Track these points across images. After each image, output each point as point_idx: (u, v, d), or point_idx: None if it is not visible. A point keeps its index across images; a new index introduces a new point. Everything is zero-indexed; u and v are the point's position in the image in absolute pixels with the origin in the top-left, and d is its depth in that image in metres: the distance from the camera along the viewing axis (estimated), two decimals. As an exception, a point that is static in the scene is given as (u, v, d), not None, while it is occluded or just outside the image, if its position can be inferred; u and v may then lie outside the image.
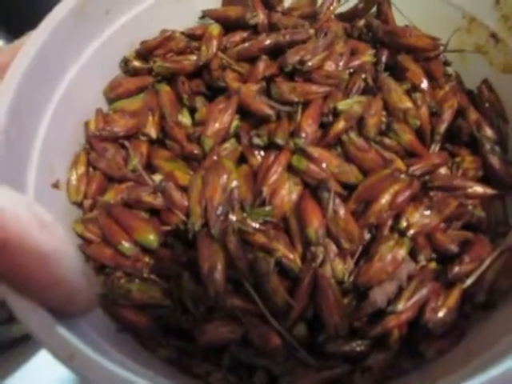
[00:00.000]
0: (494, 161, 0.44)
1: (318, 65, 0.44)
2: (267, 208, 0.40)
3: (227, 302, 0.38)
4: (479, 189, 0.42)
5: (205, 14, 0.51)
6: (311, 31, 0.49)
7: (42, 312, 0.27)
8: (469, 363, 0.33)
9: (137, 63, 0.48)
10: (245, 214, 0.40)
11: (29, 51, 0.38)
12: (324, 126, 0.43)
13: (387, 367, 0.38)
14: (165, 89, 0.46)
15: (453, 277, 0.39)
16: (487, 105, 0.47)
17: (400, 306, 0.38)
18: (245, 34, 0.49)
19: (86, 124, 0.45)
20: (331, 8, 0.53)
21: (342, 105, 0.42)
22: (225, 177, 0.40)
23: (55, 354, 0.27)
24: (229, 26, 0.50)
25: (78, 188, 0.43)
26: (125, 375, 0.27)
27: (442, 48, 0.48)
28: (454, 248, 0.40)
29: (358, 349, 0.39)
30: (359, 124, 0.42)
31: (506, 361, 0.29)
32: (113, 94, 0.47)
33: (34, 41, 0.38)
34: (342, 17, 0.53)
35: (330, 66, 0.45)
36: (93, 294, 0.30)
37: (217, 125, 0.42)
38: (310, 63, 0.44)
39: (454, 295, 0.39)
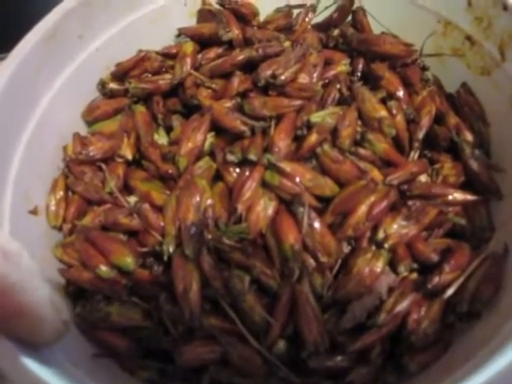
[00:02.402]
0: (475, 166, 0.43)
1: (290, 78, 0.44)
2: (243, 225, 0.40)
3: (204, 322, 0.38)
4: (459, 195, 0.42)
5: (180, 32, 0.51)
6: (286, 44, 0.49)
7: (6, 342, 0.27)
8: (452, 374, 0.32)
9: (113, 85, 0.48)
10: (220, 233, 0.39)
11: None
12: (299, 140, 0.43)
13: (370, 381, 0.38)
14: (140, 110, 0.47)
15: (433, 287, 0.38)
16: (466, 108, 0.46)
17: (380, 319, 0.38)
18: (220, 50, 0.50)
19: (64, 148, 0.45)
20: (307, 19, 0.53)
21: (314, 117, 0.42)
22: (198, 196, 0.39)
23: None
24: (204, 42, 0.50)
25: (57, 213, 0.43)
26: None
27: (417, 54, 0.47)
28: (434, 257, 0.40)
29: (341, 364, 0.38)
30: (333, 135, 0.42)
31: (489, 367, 0.28)
32: (91, 117, 0.48)
33: (4, 70, 0.39)
34: (318, 27, 0.53)
35: (303, 79, 0.45)
36: (61, 323, 0.30)
37: (190, 144, 0.42)
38: (282, 77, 0.44)
39: (436, 306, 0.38)
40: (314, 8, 0.53)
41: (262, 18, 0.54)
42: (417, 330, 0.37)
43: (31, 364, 0.27)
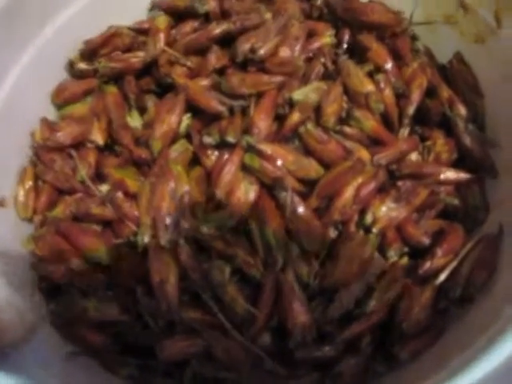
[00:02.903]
0: (469, 141, 0.41)
1: (270, 52, 0.41)
2: (222, 212, 0.37)
3: (184, 315, 0.36)
4: (452, 174, 0.39)
5: (153, 5, 0.48)
6: (267, 15, 0.45)
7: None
8: (446, 365, 0.30)
9: (82, 65, 0.45)
10: (197, 221, 0.37)
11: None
12: (280, 119, 0.40)
13: (360, 372, 0.36)
14: (110, 90, 0.44)
15: (424, 273, 0.36)
16: (459, 80, 0.43)
17: (369, 306, 0.36)
18: (195, 24, 0.46)
19: (32, 135, 0.43)
20: (289, -13, 0.49)
21: (297, 94, 0.39)
22: (173, 182, 0.37)
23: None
24: (178, 16, 0.47)
25: (26, 204, 0.41)
26: None
27: (406, 22, 0.44)
28: (426, 240, 0.38)
29: (329, 354, 0.36)
30: (317, 113, 0.39)
31: (485, 361, 0.26)
32: (59, 100, 0.44)
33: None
34: (301, -4, 0.50)
35: (284, 52, 0.42)
36: (25, 326, 0.28)
37: (164, 126, 0.39)
38: (261, 51, 0.41)
39: (428, 292, 0.36)
40: (296, -25, 0.49)
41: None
42: (408, 317, 0.36)
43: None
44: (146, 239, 0.36)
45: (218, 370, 0.36)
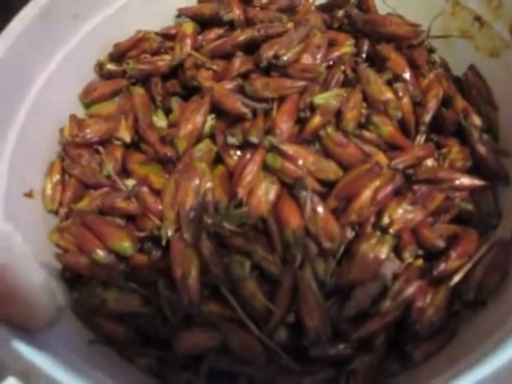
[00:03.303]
0: (483, 150, 0.42)
1: (293, 58, 0.43)
2: (244, 209, 0.39)
3: (203, 309, 0.37)
4: (466, 180, 0.40)
5: (180, 12, 0.50)
6: (289, 25, 0.47)
7: (-1, 326, 0.26)
8: (455, 365, 0.31)
9: (111, 66, 0.47)
10: (220, 217, 0.38)
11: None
12: (302, 122, 0.41)
13: (373, 370, 0.37)
14: (138, 91, 0.45)
15: (438, 274, 0.37)
16: (474, 92, 0.45)
17: (384, 306, 0.37)
18: (221, 31, 0.48)
19: (61, 131, 0.44)
20: (310, 0, 0.51)
21: (318, 99, 0.41)
22: (197, 180, 0.38)
23: (10, 368, 0.26)
24: (205, 23, 0.49)
25: (53, 196, 0.42)
26: None
27: (424, 35, 0.46)
28: (440, 243, 0.38)
29: (343, 352, 0.37)
30: (337, 118, 0.41)
31: (494, 361, 0.27)
32: (88, 99, 0.46)
33: (-2, 48, 0.38)
34: (322, 8, 0.52)
35: (306, 59, 0.44)
36: (55, 309, 0.29)
37: (189, 126, 0.41)
38: (285, 57, 0.42)
39: (442, 294, 0.37)
40: (317, -12, 0.51)
41: (263, -2, 0.52)
42: (422, 318, 0.36)
43: (24, 349, 0.27)
44: (170, 233, 0.38)
45: (233, 364, 0.37)
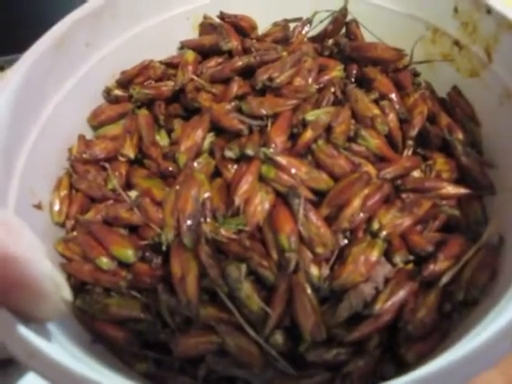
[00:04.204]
0: (468, 162, 0.44)
1: (286, 81, 0.46)
2: (240, 217, 0.41)
3: (201, 312, 0.38)
4: (452, 189, 0.43)
5: (183, 45, 0.54)
6: (283, 53, 0.51)
7: (4, 312, 0.28)
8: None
9: (118, 92, 0.50)
10: (217, 224, 0.40)
11: (11, 83, 0.41)
12: (294, 138, 0.44)
13: (368, 373, 0.37)
14: (143, 113, 0.49)
15: (428, 275, 0.38)
16: (458, 109, 0.48)
17: (377, 308, 0.38)
18: (220, 59, 0.52)
19: (70, 149, 0.47)
20: (303, 32, 0.55)
21: (310, 115, 0.44)
22: (196, 188, 0.41)
23: (15, 353, 0.27)
24: (205, 53, 0.53)
25: (60, 210, 0.44)
26: (93, 377, 0.27)
27: (407, 59, 0.49)
28: (429, 247, 0.40)
29: (339, 356, 0.38)
30: (327, 132, 0.43)
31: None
32: (96, 122, 0.50)
33: (16, 71, 0.41)
34: (313, 39, 0.56)
35: (298, 82, 0.47)
36: (62, 300, 0.31)
37: (189, 141, 0.44)
38: (278, 80, 0.46)
39: (433, 295, 0.38)
40: (309, 21, 0.55)
41: (260, 32, 0.56)
42: (414, 319, 0.37)
43: (29, 334, 0.28)
44: (170, 238, 0.39)
45: (230, 367, 0.38)
